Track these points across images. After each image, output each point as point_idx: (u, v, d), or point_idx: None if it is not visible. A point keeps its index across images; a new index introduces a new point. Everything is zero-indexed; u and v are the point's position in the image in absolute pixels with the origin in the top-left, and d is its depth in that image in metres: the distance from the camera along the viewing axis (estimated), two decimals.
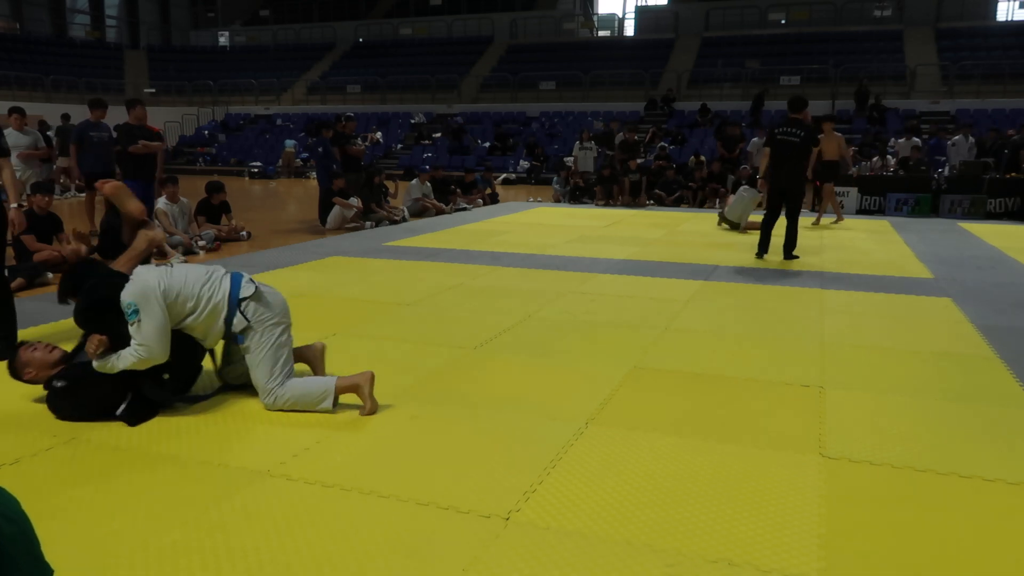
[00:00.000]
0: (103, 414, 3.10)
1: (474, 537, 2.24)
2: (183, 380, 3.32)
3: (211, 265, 3.33)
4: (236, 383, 3.45)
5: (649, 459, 2.79)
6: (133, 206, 3.48)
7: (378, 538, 2.23)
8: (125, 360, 3.00)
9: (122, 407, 3.10)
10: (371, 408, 3.22)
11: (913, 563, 2.13)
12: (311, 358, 3.54)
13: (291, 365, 3.28)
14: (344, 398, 3.28)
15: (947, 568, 2.12)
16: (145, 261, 3.44)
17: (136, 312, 2.98)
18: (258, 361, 3.19)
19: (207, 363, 3.44)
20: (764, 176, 7.63)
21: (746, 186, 10.44)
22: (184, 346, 3.18)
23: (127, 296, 3.01)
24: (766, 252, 7.50)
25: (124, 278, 3.12)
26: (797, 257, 7.41)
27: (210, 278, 3.19)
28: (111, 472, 2.66)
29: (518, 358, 4.07)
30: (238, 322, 3.16)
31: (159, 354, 3.02)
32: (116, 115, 8.77)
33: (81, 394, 3.10)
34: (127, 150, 8.01)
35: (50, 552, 2.14)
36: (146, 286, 3.02)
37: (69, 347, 3.38)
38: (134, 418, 3.09)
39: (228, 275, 3.25)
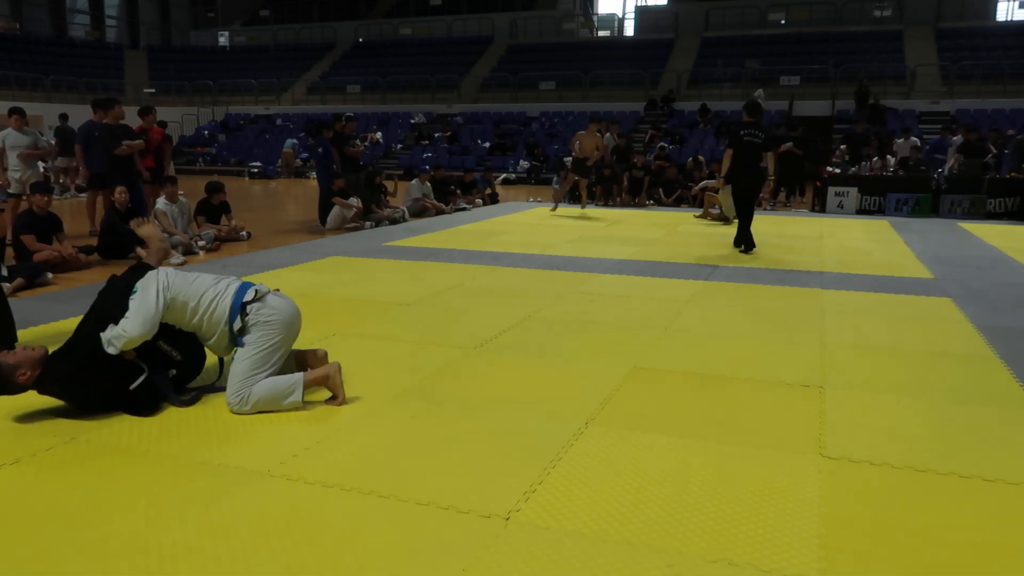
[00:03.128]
0: (114, 397, 3.16)
1: (474, 537, 2.24)
2: (186, 380, 3.44)
3: (223, 275, 3.43)
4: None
5: (649, 459, 2.79)
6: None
7: (378, 538, 2.22)
8: (115, 333, 3.09)
9: (136, 382, 3.13)
10: (342, 398, 3.32)
11: (913, 563, 2.13)
12: (314, 364, 3.54)
13: (273, 369, 3.27)
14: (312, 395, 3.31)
15: (947, 568, 2.12)
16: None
17: (135, 291, 3.17)
18: (245, 357, 3.20)
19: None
20: (726, 176, 7.99)
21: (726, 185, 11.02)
22: (193, 350, 3.38)
23: (138, 281, 3.22)
24: (754, 247, 7.88)
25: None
26: (754, 247, 7.89)
27: (217, 284, 3.32)
28: (111, 472, 2.66)
29: (518, 358, 4.07)
30: (237, 323, 3.23)
31: (138, 329, 3.09)
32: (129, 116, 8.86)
33: (93, 374, 3.14)
34: (112, 152, 7.99)
35: (50, 552, 2.14)
36: (156, 275, 3.25)
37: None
38: (141, 400, 3.14)
39: (238, 282, 3.36)
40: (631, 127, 20.55)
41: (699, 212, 11.40)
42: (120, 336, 3.09)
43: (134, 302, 3.14)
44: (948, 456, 2.85)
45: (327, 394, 3.38)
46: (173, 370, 3.30)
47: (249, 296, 3.27)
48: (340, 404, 3.31)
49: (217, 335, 3.27)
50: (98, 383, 3.14)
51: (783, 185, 14.13)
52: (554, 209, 11.75)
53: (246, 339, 3.23)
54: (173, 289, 3.21)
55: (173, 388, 3.31)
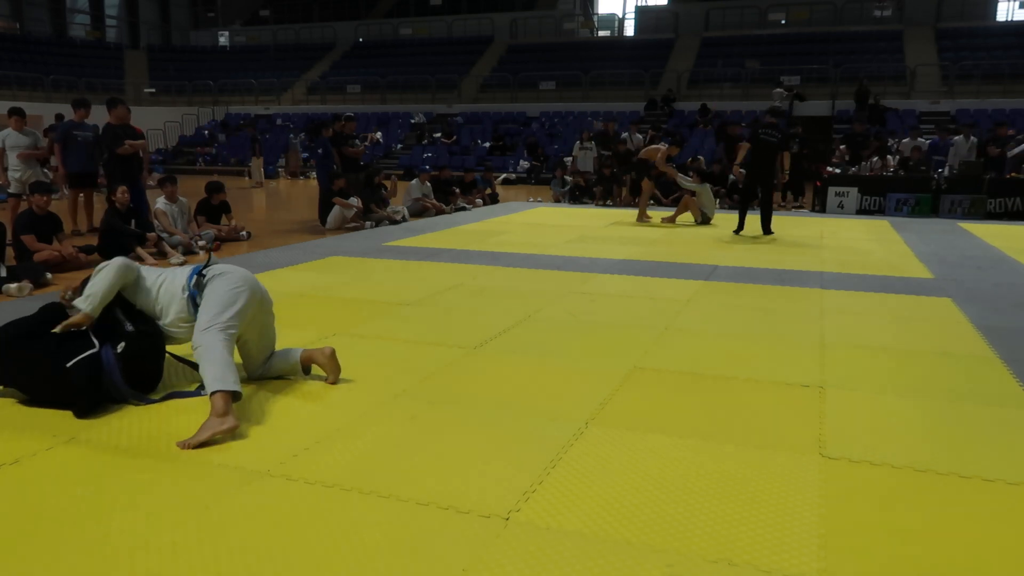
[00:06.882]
0: (52, 379, 3.11)
1: (474, 537, 2.24)
2: (140, 367, 3.30)
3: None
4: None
5: (649, 459, 2.79)
6: None
7: (378, 538, 2.22)
8: (84, 294, 3.29)
9: (77, 358, 3.09)
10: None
11: (913, 563, 2.13)
12: (323, 363, 3.56)
13: (240, 320, 3.26)
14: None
15: (947, 568, 2.12)
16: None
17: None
18: (212, 297, 3.26)
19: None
20: (742, 164, 9.58)
21: (703, 183, 11.07)
22: (147, 329, 3.35)
23: None
24: (743, 229, 9.32)
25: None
26: (773, 233, 9.21)
27: (169, 270, 3.52)
28: (111, 472, 2.66)
29: (518, 358, 4.07)
30: (192, 280, 3.34)
31: (108, 279, 3.26)
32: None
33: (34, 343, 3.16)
34: (114, 152, 7.98)
35: (50, 552, 2.14)
36: (138, 265, 3.51)
37: None
38: (79, 382, 3.07)
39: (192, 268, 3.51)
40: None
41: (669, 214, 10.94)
42: (86, 296, 3.22)
43: (106, 268, 3.31)
44: (948, 456, 2.85)
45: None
46: (122, 343, 3.21)
47: (202, 266, 3.42)
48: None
49: (175, 305, 3.34)
50: (37, 356, 3.12)
51: (784, 185, 14.14)
52: (640, 219, 10.85)
53: (206, 290, 3.30)
54: (142, 276, 3.44)
55: (123, 375, 3.18)
